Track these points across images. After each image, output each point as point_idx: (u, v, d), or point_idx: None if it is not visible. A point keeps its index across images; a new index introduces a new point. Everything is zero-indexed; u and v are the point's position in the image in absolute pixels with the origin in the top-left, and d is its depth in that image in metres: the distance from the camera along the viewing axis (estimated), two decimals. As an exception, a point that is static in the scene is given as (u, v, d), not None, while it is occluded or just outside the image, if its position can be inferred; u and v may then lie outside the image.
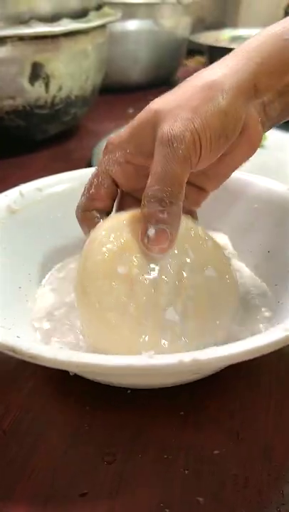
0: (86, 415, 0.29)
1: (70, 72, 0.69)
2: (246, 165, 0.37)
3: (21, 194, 0.38)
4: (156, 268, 0.30)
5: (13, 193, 0.38)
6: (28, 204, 0.38)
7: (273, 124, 0.35)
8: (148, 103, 0.32)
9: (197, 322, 0.29)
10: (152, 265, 0.30)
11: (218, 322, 0.30)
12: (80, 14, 0.68)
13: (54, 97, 0.68)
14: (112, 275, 0.30)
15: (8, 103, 0.65)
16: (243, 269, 0.37)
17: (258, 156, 0.74)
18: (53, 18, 0.64)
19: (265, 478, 0.25)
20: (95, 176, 0.34)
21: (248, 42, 0.32)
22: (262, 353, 0.24)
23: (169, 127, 0.30)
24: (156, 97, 0.32)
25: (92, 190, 0.34)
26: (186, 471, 0.26)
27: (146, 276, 0.29)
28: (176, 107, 0.31)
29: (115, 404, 0.30)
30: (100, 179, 0.34)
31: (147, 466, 0.26)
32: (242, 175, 0.41)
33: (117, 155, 0.33)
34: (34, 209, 0.38)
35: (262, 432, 0.28)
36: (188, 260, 0.30)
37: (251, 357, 0.24)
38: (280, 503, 0.24)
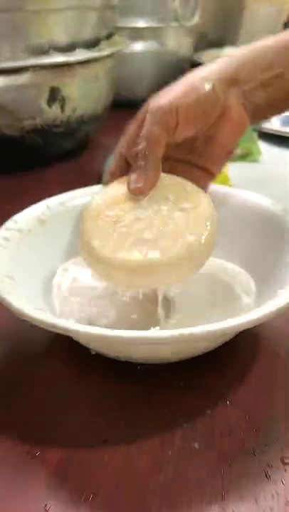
0: (105, 385, 0.37)
1: (83, 95, 0.76)
2: (244, 178, 0.44)
3: (48, 207, 0.46)
4: (139, 210, 0.37)
5: (41, 206, 0.46)
6: (54, 215, 0.46)
7: (264, 111, 0.43)
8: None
9: (171, 238, 0.36)
10: (136, 209, 0.37)
11: (191, 238, 0.36)
12: (93, 43, 0.75)
13: (69, 117, 0.75)
14: (100, 216, 0.38)
15: (28, 123, 0.72)
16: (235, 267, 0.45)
17: (254, 171, 0.81)
18: (69, 48, 0.71)
19: (246, 430, 0.33)
20: (114, 156, 0.44)
21: (235, 50, 0.42)
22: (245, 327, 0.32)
23: (155, 101, 0.39)
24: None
25: (111, 168, 0.43)
26: (184, 425, 0.33)
27: (129, 215, 0.37)
28: (167, 91, 0.40)
29: (128, 376, 0.37)
30: (115, 158, 0.43)
31: (154, 421, 0.33)
32: (235, 191, 0.48)
33: (126, 137, 0.42)
34: (58, 219, 0.46)
35: (245, 400, 0.35)
36: (167, 202, 0.38)
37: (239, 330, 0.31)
38: (257, 447, 0.31)
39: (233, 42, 1.62)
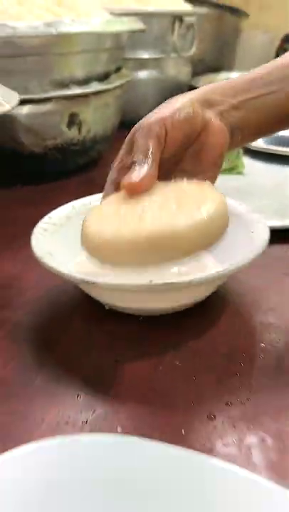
0: (116, 330, 0.52)
1: (96, 119, 0.91)
2: (228, 189, 0.50)
3: (73, 207, 0.61)
4: (142, 202, 0.39)
5: (68, 207, 0.61)
6: (78, 213, 0.61)
7: (242, 132, 0.47)
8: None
9: (175, 214, 0.37)
10: (139, 201, 0.39)
11: (197, 212, 0.36)
12: (104, 77, 0.91)
13: (84, 137, 0.90)
14: (100, 211, 0.41)
15: (51, 142, 0.87)
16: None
17: (237, 181, 0.95)
18: (85, 81, 0.86)
19: (212, 356, 0.48)
20: (106, 186, 0.48)
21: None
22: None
23: (145, 119, 0.44)
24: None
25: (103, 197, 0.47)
26: (171, 351, 0.48)
27: (128, 204, 0.39)
28: (153, 113, 0.45)
29: (133, 324, 0.52)
30: (106, 188, 0.48)
31: (151, 350, 0.48)
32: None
33: (115, 164, 0.46)
34: (81, 217, 0.61)
35: (215, 340, 0.50)
36: (168, 196, 0.40)
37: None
38: (218, 365, 0.46)
39: (229, 67, 1.77)
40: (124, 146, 0.45)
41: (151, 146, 0.41)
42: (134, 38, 1.09)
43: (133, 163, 0.41)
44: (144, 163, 0.40)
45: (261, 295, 0.56)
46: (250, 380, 0.45)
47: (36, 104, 0.83)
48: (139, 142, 0.41)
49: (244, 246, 0.53)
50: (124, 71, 0.99)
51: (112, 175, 0.46)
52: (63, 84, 0.84)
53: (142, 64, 1.22)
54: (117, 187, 0.45)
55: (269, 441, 0.38)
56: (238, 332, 0.51)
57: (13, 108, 0.64)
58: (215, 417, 0.41)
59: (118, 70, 0.97)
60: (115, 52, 0.93)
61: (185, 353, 0.48)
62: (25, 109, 0.82)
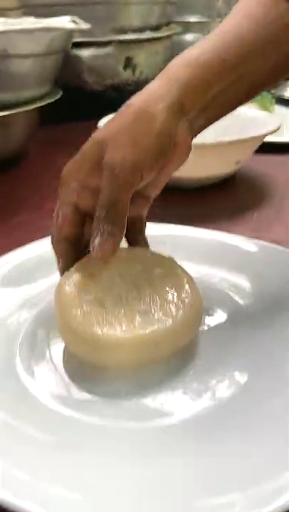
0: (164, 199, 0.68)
1: (148, 63, 1.06)
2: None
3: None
4: (116, 284, 0.36)
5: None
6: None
7: (201, 130, 0.40)
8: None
9: (170, 306, 0.35)
10: (112, 284, 0.36)
11: (187, 300, 0.36)
12: (156, 28, 1.07)
13: (138, 78, 1.05)
14: (80, 302, 0.35)
15: (109, 81, 1.03)
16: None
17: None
18: (140, 30, 1.02)
19: (244, 214, 0.64)
20: (58, 208, 0.37)
21: (171, 65, 0.38)
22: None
23: (111, 155, 0.33)
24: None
25: (59, 220, 0.37)
26: (199, 210, 0.64)
27: (110, 295, 0.35)
28: (116, 134, 0.34)
29: (174, 195, 0.68)
30: (63, 210, 0.37)
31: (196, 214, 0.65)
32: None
33: (73, 184, 0.36)
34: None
35: (230, 196, 0.66)
36: (140, 271, 0.38)
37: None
38: (235, 208, 0.62)
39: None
40: (83, 159, 0.36)
41: (123, 203, 0.35)
42: (183, 3, 1.23)
43: (100, 220, 0.35)
44: (115, 225, 0.34)
45: (266, 180, 0.73)
46: (256, 213, 0.63)
47: (99, 47, 0.99)
48: (110, 198, 0.34)
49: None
50: (172, 26, 1.14)
51: (69, 198, 0.37)
52: (122, 31, 1.01)
53: (189, 27, 1.36)
54: (79, 215, 0.38)
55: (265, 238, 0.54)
56: (248, 194, 0.68)
57: (87, 29, 0.81)
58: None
59: (168, 24, 1.13)
60: (166, 7, 1.08)
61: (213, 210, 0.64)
62: (90, 51, 0.99)
